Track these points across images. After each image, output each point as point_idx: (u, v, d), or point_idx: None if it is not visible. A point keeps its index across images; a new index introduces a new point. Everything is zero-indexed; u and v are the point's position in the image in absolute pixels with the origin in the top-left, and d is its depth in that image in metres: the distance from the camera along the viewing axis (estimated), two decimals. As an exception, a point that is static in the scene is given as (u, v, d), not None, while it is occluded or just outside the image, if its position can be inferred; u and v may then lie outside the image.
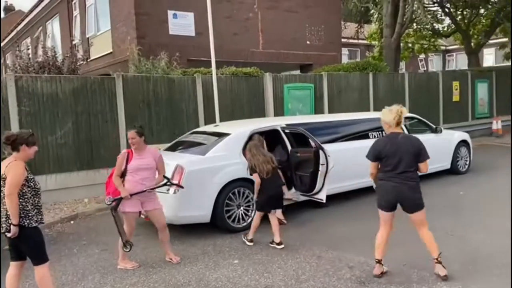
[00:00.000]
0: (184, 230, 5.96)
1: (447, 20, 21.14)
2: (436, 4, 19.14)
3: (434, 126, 9.29)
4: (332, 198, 7.04)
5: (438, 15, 20.01)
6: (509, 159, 10.89)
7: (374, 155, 4.32)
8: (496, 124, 15.63)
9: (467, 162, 9.55)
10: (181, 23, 12.65)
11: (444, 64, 39.56)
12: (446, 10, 19.54)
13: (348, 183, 7.31)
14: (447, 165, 9.13)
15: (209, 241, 5.68)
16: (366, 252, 4.97)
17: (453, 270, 4.34)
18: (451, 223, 5.95)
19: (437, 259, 4.22)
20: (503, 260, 4.53)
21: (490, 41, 22.08)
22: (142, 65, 10.18)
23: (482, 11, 19.40)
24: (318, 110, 11.82)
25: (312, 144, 6.26)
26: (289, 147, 6.67)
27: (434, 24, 20.75)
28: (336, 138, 7.40)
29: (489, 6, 18.02)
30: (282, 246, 5.25)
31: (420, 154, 4.20)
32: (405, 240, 4.99)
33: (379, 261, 4.36)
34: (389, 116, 4.23)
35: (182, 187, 5.38)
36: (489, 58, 35.30)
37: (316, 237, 5.64)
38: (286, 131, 6.77)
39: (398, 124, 4.24)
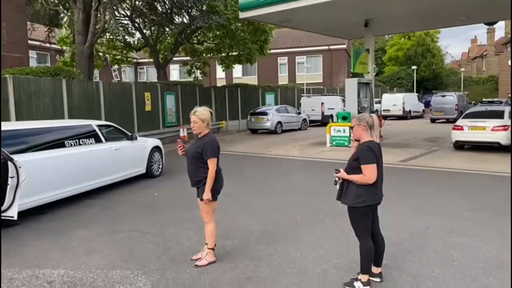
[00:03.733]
0: None
1: (138, 35, 22.48)
2: (127, 18, 20.06)
3: (129, 134, 9.74)
4: (25, 214, 6.41)
5: (130, 29, 21.02)
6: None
7: None
8: (183, 132, 17.74)
9: (160, 166, 10.48)
10: None
11: (136, 76, 41.89)
12: (136, 25, 20.79)
13: (46, 195, 6.81)
14: (143, 169, 9.76)
15: None
16: (64, 263, 4.81)
17: (150, 262, 4.76)
18: (147, 222, 6.45)
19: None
20: (192, 248, 5.27)
21: (175, 58, 24.88)
22: None
23: (167, 30, 21.61)
24: (3, 117, 10.44)
25: (-3, 155, 5.53)
26: (-34, 161, 5.66)
27: (126, 37, 21.69)
28: (30, 147, 6.76)
29: (173, 27, 20.27)
30: None
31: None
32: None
33: None
34: (208, 114, 4.61)
35: None
36: (175, 73, 39.71)
37: (6, 260, 5.01)
38: (-40, 141, 5.72)
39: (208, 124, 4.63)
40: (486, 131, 12.57)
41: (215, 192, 4.66)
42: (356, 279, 4.12)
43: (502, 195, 7.66)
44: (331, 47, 37.06)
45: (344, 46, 37.21)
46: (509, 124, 12.51)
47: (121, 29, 17.58)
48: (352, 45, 34.95)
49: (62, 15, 20.56)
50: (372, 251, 4.06)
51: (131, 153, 9.39)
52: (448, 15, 15.53)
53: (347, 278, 4.27)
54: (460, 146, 13.53)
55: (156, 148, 10.40)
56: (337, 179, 4.11)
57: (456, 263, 4.67)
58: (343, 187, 4.09)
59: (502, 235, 5.50)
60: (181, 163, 12.14)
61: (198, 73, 25.44)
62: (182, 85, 20.26)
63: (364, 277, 4.07)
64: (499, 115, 13.12)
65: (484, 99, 26.09)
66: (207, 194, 4.56)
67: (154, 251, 5.19)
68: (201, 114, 4.55)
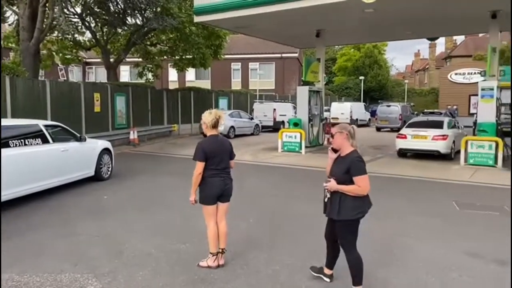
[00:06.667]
0: None
1: (89, 34, 21.78)
2: (77, 16, 19.41)
3: (78, 135, 9.45)
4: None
5: (79, 28, 20.34)
6: (144, 164, 12.44)
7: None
8: (133, 134, 17.40)
9: (110, 169, 10.23)
10: None
11: (84, 76, 40.48)
12: (87, 24, 20.16)
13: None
14: (91, 172, 9.49)
15: None
16: (10, 267, 4.63)
17: (100, 265, 4.68)
18: (97, 225, 6.30)
19: (223, 249, 4.76)
20: (145, 251, 5.23)
21: (126, 59, 24.31)
22: None
23: (120, 30, 21.11)
24: None
25: None
26: None
27: (76, 36, 20.96)
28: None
29: (125, 28, 19.85)
30: None
31: (232, 152, 4.78)
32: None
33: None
34: (208, 117, 4.58)
35: None
36: (125, 74, 38.78)
37: None
38: None
39: (214, 126, 4.60)
40: (427, 140, 13.33)
41: (204, 196, 4.60)
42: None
43: (441, 200, 8.20)
44: (283, 55, 37.74)
45: (296, 55, 38.02)
46: (448, 133, 13.36)
47: (71, 27, 16.97)
48: (304, 54, 35.85)
49: (5, 9, 19.52)
50: (361, 260, 4.01)
51: (80, 155, 9.12)
52: (394, 29, 16.36)
53: (299, 278, 4.43)
54: (403, 153, 14.25)
55: (105, 150, 10.15)
56: (326, 191, 3.97)
57: (399, 263, 4.96)
58: (332, 201, 3.94)
59: (441, 237, 5.90)
60: (130, 166, 11.96)
61: (150, 75, 25.03)
62: (133, 86, 19.87)
63: None
64: (439, 125, 13.95)
65: (425, 110, 27.59)
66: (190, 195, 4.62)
67: (105, 254, 5.10)
68: (203, 116, 4.65)
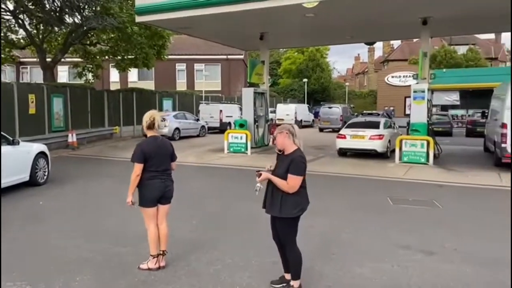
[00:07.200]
0: None
1: (22, 32, 20.64)
2: (9, 13, 18.35)
3: (10, 138, 8.97)
4: None
5: (12, 26, 19.22)
6: (82, 168, 12.05)
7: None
8: (72, 137, 16.70)
9: (46, 173, 9.78)
10: None
11: (18, 76, 38.29)
12: (20, 21, 19.11)
13: None
14: (26, 177, 9.04)
15: None
16: None
17: (35, 272, 4.50)
18: (32, 231, 6.04)
19: (163, 251, 4.73)
20: (83, 256, 5.09)
21: (65, 59, 23.30)
22: None
23: (57, 29, 20.19)
24: None
25: None
26: None
27: (8, 34, 19.79)
28: None
29: (63, 26, 19.03)
30: None
31: (174, 153, 4.78)
32: None
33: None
34: (144, 118, 4.58)
35: None
36: (63, 75, 37.08)
37: None
38: None
39: (149, 127, 4.57)
40: (365, 139, 13.95)
41: (143, 198, 4.56)
42: (288, 287, 4.17)
43: (377, 196, 8.64)
44: (229, 56, 37.85)
45: (242, 57, 38.26)
46: (384, 133, 14.05)
47: (2, 24, 16.01)
48: (249, 56, 36.12)
49: None
50: (301, 256, 4.08)
51: (12, 159, 8.64)
52: (335, 33, 16.97)
53: (240, 276, 4.50)
54: (343, 153, 14.80)
55: (41, 154, 9.70)
56: (258, 184, 3.96)
57: (335, 256, 5.19)
58: (273, 198, 3.96)
59: (375, 231, 6.23)
60: (68, 170, 11.52)
61: (90, 75, 24.12)
62: (71, 87, 19.11)
63: (297, 283, 4.12)
64: (375, 125, 14.63)
65: (364, 111, 28.76)
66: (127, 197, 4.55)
67: (40, 261, 4.91)
68: (143, 118, 4.61)
